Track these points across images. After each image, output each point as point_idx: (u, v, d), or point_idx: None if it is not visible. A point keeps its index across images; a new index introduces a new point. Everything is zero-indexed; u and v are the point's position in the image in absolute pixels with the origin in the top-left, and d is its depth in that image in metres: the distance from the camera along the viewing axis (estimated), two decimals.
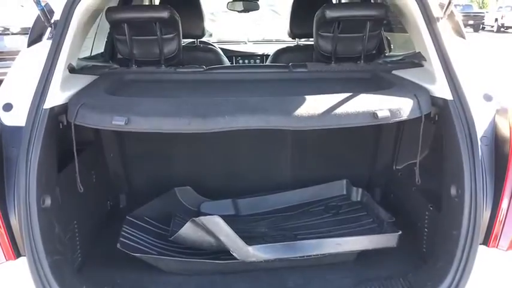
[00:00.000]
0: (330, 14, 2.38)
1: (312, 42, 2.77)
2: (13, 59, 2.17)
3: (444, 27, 2.09)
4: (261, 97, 1.99)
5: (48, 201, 1.83)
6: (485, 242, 1.82)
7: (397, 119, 1.90)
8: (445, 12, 2.06)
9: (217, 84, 2.41)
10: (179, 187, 2.69)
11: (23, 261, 1.75)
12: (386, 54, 3.39)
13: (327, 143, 2.73)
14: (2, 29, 8.64)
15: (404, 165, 2.61)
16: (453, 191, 1.89)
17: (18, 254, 1.76)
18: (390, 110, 1.87)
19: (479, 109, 1.93)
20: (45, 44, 2.04)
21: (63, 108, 1.96)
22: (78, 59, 2.53)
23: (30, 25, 2.28)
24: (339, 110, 1.86)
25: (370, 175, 2.83)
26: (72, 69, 2.20)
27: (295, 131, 2.53)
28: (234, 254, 2.07)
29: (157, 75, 2.47)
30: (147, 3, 4.00)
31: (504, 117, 1.92)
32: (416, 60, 2.33)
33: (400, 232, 2.15)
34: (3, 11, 8.18)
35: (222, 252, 2.14)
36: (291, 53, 3.46)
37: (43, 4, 2.01)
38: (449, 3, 2.02)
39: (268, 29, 6.24)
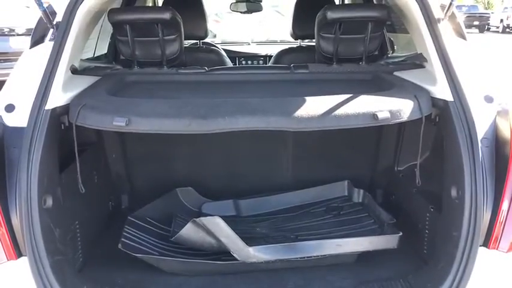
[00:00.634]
0: (331, 15, 2.38)
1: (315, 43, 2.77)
2: None
3: (445, 28, 2.09)
4: (262, 98, 2.00)
5: (49, 202, 1.85)
6: (486, 244, 1.82)
7: (397, 120, 1.90)
8: (445, 13, 2.06)
9: (219, 85, 2.42)
10: (181, 188, 2.70)
11: (24, 261, 1.76)
12: (389, 55, 3.39)
13: (329, 144, 2.73)
14: (8, 30, 8.70)
15: (405, 166, 2.61)
16: (453, 192, 1.89)
17: (19, 254, 1.77)
18: (390, 111, 1.87)
19: (480, 110, 1.93)
20: (47, 45, 2.05)
21: (65, 109, 1.97)
22: (81, 60, 2.55)
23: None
24: (339, 111, 1.87)
25: (371, 176, 2.83)
26: (74, 70, 2.22)
27: (296, 132, 2.54)
28: (234, 254, 2.07)
29: (159, 77, 2.48)
30: (150, 5, 4.02)
31: (505, 118, 1.91)
32: (417, 62, 2.32)
33: (400, 233, 2.15)
34: (9, 12, 8.22)
35: (223, 253, 2.14)
36: (294, 54, 3.46)
37: (45, 5, 2.02)
38: (450, 4, 2.02)
39: (272, 30, 6.25)
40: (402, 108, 1.91)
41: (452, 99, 1.93)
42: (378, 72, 2.46)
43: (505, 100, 2.00)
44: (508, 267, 1.80)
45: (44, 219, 1.79)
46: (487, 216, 1.81)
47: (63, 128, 1.99)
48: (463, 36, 2.22)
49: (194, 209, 2.68)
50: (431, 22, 2.04)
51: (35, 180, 1.77)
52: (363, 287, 1.99)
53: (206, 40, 3.90)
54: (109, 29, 3.04)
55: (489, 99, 1.96)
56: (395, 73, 2.44)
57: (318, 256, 2.12)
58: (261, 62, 4.48)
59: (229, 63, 3.72)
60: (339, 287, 2.04)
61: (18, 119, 1.89)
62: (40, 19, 2.18)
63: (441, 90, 1.99)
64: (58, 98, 1.95)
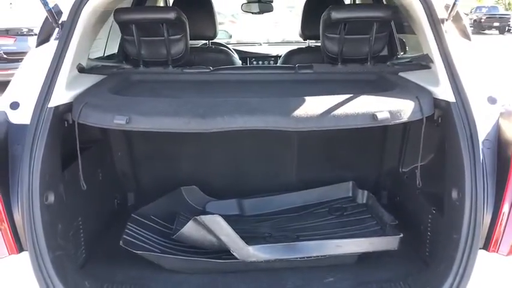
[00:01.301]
0: (336, 15, 2.37)
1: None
2: None
3: (449, 29, 2.07)
4: (261, 98, 2.00)
5: (51, 198, 1.88)
6: (486, 247, 1.80)
7: (397, 121, 1.88)
8: (449, 14, 2.04)
9: (223, 84, 2.43)
10: (185, 186, 2.72)
11: (25, 255, 1.79)
12: (399, 56, 3.37)
13: (334, 145, 2.73)
14: (27, 30, 8.86)
15: (410, 168, 2.58)
16: (454, 194, 1.87)
17: (21, 249, 1.80)
18: (390, 112, 1.86)
19: (483, 112, 1.91)
20: (52, 44, 2.09)
21: (69, 107, 2.00)
22: (90, 59, 2.58)
23: None
24: (338, 111, 1.86)
25: (376, 177, 2.81)
26: (81, 69, 2.25)
27: (301, 132, 2.54)
28: (234, 253, 2.08)
29: (164, 76, 2.51)
30: (161, 5, 4.05)
31: (508, 120, 1.89)
32: (423, 62, 2.31)
33: (401, 235, 2.13)
34: (28, 12, 8.38)
35: (223, 251, 2.15)
36: (302, 55, 3.46)
37: (51, 5, 2.06)
38: (454, 4, 2.00)
39: (287, 31, 6.26)
40: (403, 108, 1.89)
41: (455, 100, 1.91)
42: (383, 73, 2.45)
43: (509, 101, 1.97)
44: (508, 271, 1.78)
45: (45, 215, 1.82)
46: (487, 218, 1.79)
47: (66, 125, 2.02)
48: (467, 37, 2.19)
49: (198, 208, 2.70)
50: (434, 22, 2.03)
51: (36, 176, 1.80)
52: None
53: (217, 41, 3.92)
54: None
55: (492, 101, 1.94)
56: (401, 74, 2.42)
57: (318, 256, 2.12)
58: (271, 62, 4.48)
59: (239, 63, 3.73)
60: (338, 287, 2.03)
61: (22, 117, 1.92)
62: (46, 18, 2.21)
63: (444, 91, 1.98)
64: (62, 96, 1.98)
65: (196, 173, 2.79)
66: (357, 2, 4.05)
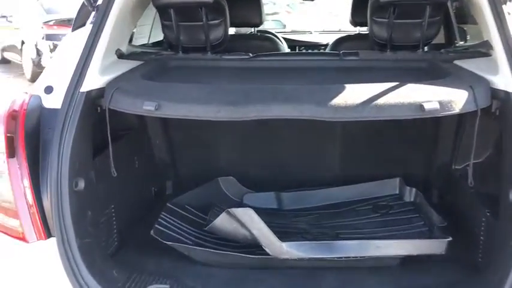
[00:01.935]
0: None
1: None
2: None
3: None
4: (299, 85, 1.87)
5: (81, 184, 1.85)
6: None
7: (447, 113, 1.70)
8: None
9: (262, 72, 2.32)
10: (223, 177, 2.64)
11: (53, 241, 1.77)
12: (457, 45, 3.13)
13: (380, 137, 2.55)
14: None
15: (464, 165, 2.37)
16: (511, 196, 1.67)
17: (49, 234, 1.79)
18: (440, 102, 1.68)
19: None
20: (87, 28, 2.06)
21: (102, 93, 1.96)
22: (133, 45, 2.55)
23: None
24: (380, 101, 1.70)
25: (426, 174, 2.60)
26: (120, 55, 2.22)
27: (345, 123, 2.39)
28: (266, 249, 1.98)
29: (201, 62, 2.43)
30: None
31: None
32: (483, 49, 2.09)
33: (450, 238, 1.94)
34: (72, 4, 8.60)
35: (257, 246, 2.06)
36: (351, 42, 3.29)
37: None
38: None
39: (342, 21, 6.08)
40: (454, 99, 1.71)
41: None
42: (435, 61, 2.24)
43: None
44: None
45: (74, 201, 1.79)
46: None
47: (99, 111, 1.98)
48: None
49: (235, 199, 2.61)
50: (495, 3, 1.82)
51: (66, 161, 1.77)
52: None
53: (271, 30, 3.81)
54: None
55: None
56: (457, 62, 2.21)
57: (357, 257, 1.98)
58: (321, 51, 4.33)
59: (285, 51, 3.61)
60: None
61: (55, 101, 1.90)
62: (83, 3, 2.19)
63: (503, 80, 1.77)
64: (95, 81, 1.94)
65: (234, 163, 2.70)
66: None
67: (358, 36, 3.42)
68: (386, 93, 1.73)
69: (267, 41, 3.50)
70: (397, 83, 1.81)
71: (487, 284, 1.73)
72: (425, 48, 2.44)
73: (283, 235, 2.05)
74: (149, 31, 3.27)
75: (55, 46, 8.77)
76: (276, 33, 4.20)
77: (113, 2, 1.99)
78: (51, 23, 9.93)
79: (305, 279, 1.96)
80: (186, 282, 1.90)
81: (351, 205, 2.54)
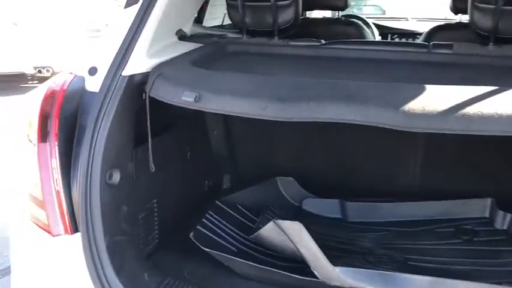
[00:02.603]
0: None
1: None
2: None
3: None
4: (367, 82, 1.54)
5: (116, 177, 1.68)
6: None
7: None
8: None
9: (332, 62, 2.01)
10: (282, 177, 2.38)
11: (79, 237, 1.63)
12: None
13: (471, 148, 2.14)
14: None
15: None
16: None
17: (76, 229, 1.64)
18: None
19: None
20: (138, 5, 1.87)
21: (147, 78, 1.77)
22: (202, 26, 2.35)
23: None
24: (472, 109, 1.33)
25: None
26: (182, 37, 2.04)
27: None
28: (314, 271, 1.70)
29: (265, 48, 2.16)
30: None
31: None
32: None
33: None
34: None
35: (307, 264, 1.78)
36: (449, 31, 2.83)
37: None
38: None
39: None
40: None
41: None
42: None
43: None
44: None
45: (105, 194, 1.62)
46: None
47: (144, 97, 1.80)
48: None
49: (293, 203, 2.35)
50: None
51: (99, 151, 1.60)
52: None
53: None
54: None
55: None
56: None
57: None
58: (417, 40, 3.87)
59: (371, 39, 3.22)
60: None
61: (98, 84, 1.74)
62: None
63: None
64: (141, 64, 1.75)
65: (296, 162, 2.43)
66: None
67: (458, 25, 2.94)
68: (482, 100, 1.36)
69: (350, 27, 3.13)
70: (498, 87, 1.43)
71: None
72: None
73: (341, 252, 1.81)
74: (223, 12, 3.07)
75: None
76: (368, 20, 3.81)
77: None
78: None
79: None
80: None
81: (427, 225, 2.17)
